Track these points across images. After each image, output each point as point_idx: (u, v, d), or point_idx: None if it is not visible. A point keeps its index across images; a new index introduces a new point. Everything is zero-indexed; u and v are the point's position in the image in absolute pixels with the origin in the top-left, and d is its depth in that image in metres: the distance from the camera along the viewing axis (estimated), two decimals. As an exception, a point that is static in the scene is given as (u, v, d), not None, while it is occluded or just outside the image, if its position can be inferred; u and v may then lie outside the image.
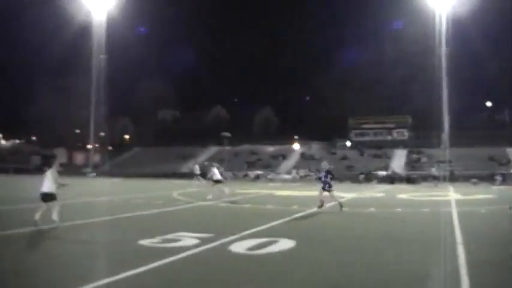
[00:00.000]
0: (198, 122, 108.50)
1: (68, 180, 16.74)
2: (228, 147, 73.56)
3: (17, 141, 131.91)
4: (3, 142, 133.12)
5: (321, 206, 18.27)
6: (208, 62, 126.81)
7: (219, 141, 79.85)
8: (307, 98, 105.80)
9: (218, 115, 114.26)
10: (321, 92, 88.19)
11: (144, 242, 10.69)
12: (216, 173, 25.69)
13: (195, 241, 10.86)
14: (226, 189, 26.24)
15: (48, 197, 13.26)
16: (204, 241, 10.86)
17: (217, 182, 25.54)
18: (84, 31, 72.43)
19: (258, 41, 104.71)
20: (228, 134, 73.10)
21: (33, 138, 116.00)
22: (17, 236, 11.90)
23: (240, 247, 10.36)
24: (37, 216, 12.65)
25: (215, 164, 27.93)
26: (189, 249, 9.96)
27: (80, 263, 9.02)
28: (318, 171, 21.93)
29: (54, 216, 13.12)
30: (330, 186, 18.55)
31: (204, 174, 40.78)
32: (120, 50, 77.48)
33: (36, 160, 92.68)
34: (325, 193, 18.13)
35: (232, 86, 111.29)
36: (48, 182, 13.38)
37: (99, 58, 70.25)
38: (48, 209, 12.94)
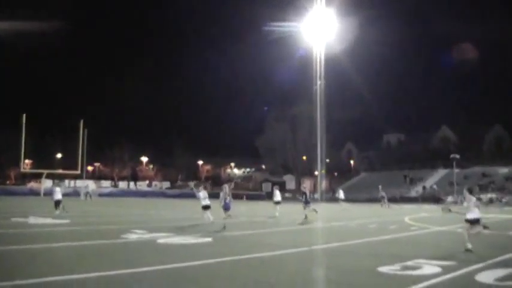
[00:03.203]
0: (424, 144, 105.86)
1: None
2: (457, 170, 70.58)
3: (248, 169, 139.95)
4: (236, 171, 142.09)
5: None
6: (432, 83, 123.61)
7: (448, 164, 77.21)
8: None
9: (445, 136, 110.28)
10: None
11: (384, 269, 10.43)
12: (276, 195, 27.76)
13: (437, 269, 10.38)
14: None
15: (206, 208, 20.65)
16: (446, 269, 10.35)
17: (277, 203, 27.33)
18: (306, 62, 75.12)
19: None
20: (456, 156, 70.16)
21: (263, 166, 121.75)
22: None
23: (487, 277, 9.60)
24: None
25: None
26: (432, 278, 9.45)
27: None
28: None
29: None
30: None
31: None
32: (338, 77, 78.96)
33: (267, 187, 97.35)
34: None
35: (457, 105, 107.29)
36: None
37: (320, 86, 72.11)
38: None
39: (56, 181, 74.32)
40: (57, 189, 29.54)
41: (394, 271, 10.27)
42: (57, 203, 27.91)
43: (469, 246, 13.13)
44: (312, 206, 27.29)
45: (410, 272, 10.24)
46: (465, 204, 13.88)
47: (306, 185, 30.12)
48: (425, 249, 14.60)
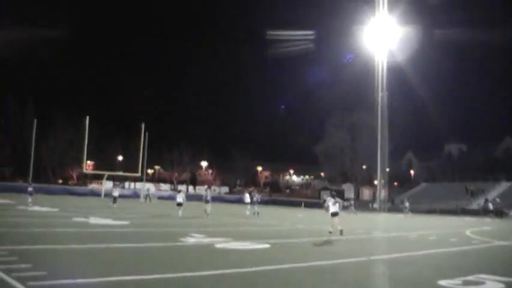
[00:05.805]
0: (487, 155, 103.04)
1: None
2: (522, 183, 68.46)
3: (307, 177, 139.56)
4: (294, 178, 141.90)
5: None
6: (496, 93, 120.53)
7: (511, 177, 75.13)
8: None
9: (508, 148, 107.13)
10: None
11: (444, 282, 10.09)
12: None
13: (500, 285, 10.00)
14: None
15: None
16: (509, 286, 9.96)
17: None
18: (367, 69, 74.33)
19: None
20: (521, 168, 68.00)
21: (322, 174, 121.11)
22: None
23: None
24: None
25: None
26: (495, 295, 9.22)
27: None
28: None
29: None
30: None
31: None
32: (400, 85, 77.67)
33: (325, 195, 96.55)
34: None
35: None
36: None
37: (382, 95, 71.24)
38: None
39: (116, 182, 76.22)
40: (116, 188, 42.45)
41: (455, 285, 9.95)
42: (115, 199, 37.52)
43: (331, 229, 20.12)
44: (257, 208, 36.44)
45: (472, 287, 9.91)
46: (327, 203, 20.93)
47: (252, 189, 40.00)
48: (488, 264, 14.17)
